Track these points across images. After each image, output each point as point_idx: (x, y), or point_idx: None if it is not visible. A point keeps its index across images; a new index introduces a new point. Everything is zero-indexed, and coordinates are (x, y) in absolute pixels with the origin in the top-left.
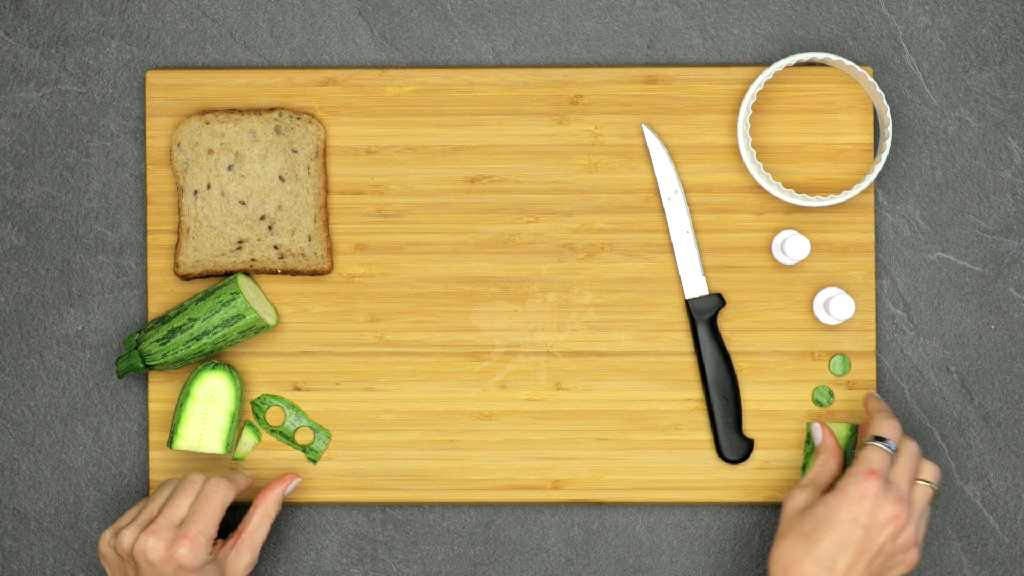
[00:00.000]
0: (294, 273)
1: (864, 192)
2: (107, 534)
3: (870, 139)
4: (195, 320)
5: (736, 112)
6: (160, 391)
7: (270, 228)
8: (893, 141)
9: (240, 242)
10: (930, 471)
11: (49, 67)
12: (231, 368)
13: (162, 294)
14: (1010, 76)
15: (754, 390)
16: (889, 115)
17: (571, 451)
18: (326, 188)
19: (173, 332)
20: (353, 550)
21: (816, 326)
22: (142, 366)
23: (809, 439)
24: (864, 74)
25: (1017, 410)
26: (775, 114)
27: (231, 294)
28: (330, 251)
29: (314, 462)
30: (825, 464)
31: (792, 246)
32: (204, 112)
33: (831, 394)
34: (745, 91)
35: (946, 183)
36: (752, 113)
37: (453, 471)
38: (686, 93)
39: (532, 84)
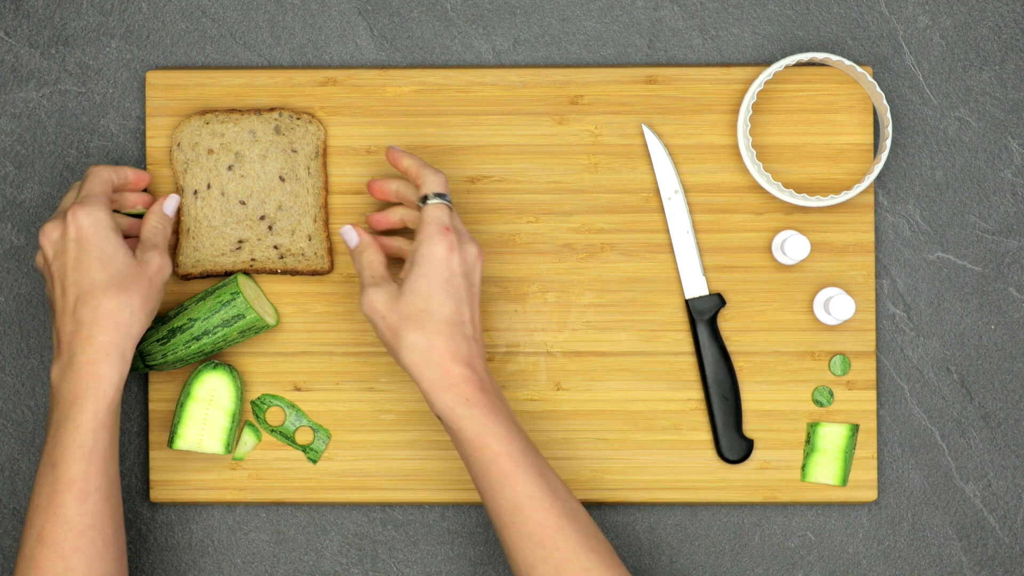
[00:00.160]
0: (294, 273)
1: (864, 192)
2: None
3: (870, 139)
4: (195, 320)
5: (736, 112)
6: (160, 391)
7: (270, 228)
8: (893, 141)
9: (240, 242)
10: (441, 184)
11: (49, 67)
12: (231, 368)
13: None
14: (1010, 76)
15: (754, 390)
16: (889, 115)
17: (571, 451)
18: (326, 188)
19: (173, 332)
20: (353, 550)
21: (816, 326)
22: (142, 366)
23: (809, 439)
24: (864, 74)
25: (1017, 410)
26: (775, 114)
27: (231, 294)
28: (330, 251)
29: (314, 462)
30: (373, 256)
31: (792, 246)
32: (204, 112)
33: (831, 394)
34: (745, 91)
35: (946, 183)
36: (752, 113)
37: (453, 471)
38: (686, 93)
39: (532, 84)
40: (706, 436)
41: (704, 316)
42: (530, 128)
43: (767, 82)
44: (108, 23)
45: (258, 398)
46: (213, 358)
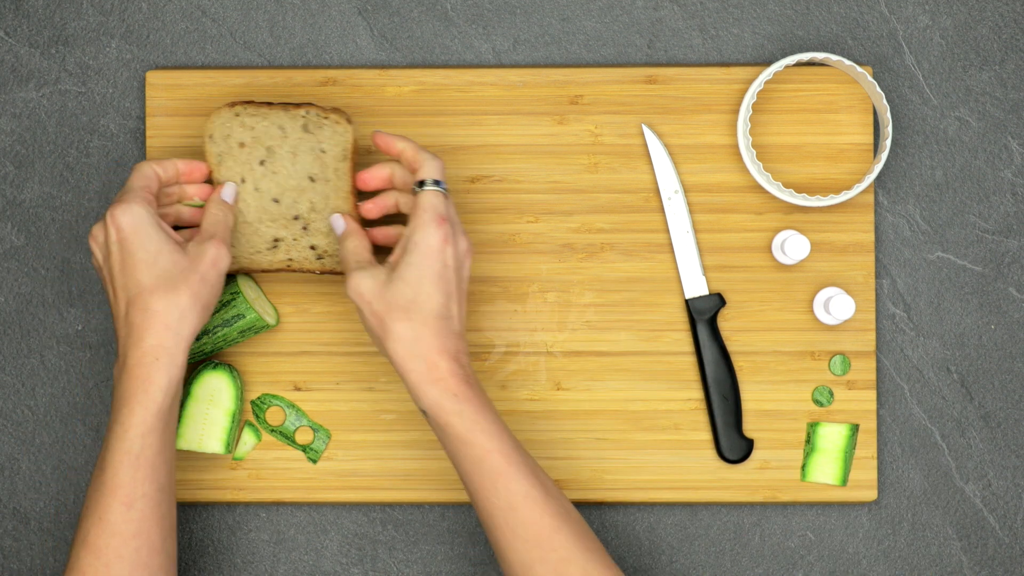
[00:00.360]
0: (332, 273)
1: (864, 192)
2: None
3: (870, 139)
4: None
5: (736, 112)
6: None
7: (305, 228)
8: (893, 141)
9: (276, 240)
10: (439, 170)
11: (49, 67)
12: (231, 368)
13: None
14: (1010, 76)
15: (754, 390)
16: (889, 115)
17: (571, 451)
18: (355, 192)
19: None
20: (353, 550)
21: (816, 326)
22: None
23: (809, 439)
24: (864, 74)
25: (1017, 410)
26: (775, 114)
27: (231, 294)
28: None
29: (314, 462)
30: (358, 243)
31: (792, 246)
32: (234, 104)
33: (831, 394)
34: (745, 91)
35: (946, 183)
36: (752, 113)
37: (453, 471)
38: (686, 93)
39: (532, 84)
40: (706, 436)
41: (704, 316)
42: (530, 128)
43: (767, 82)
44: (108, 23)
45: (258, 398)
46: (213, 358)
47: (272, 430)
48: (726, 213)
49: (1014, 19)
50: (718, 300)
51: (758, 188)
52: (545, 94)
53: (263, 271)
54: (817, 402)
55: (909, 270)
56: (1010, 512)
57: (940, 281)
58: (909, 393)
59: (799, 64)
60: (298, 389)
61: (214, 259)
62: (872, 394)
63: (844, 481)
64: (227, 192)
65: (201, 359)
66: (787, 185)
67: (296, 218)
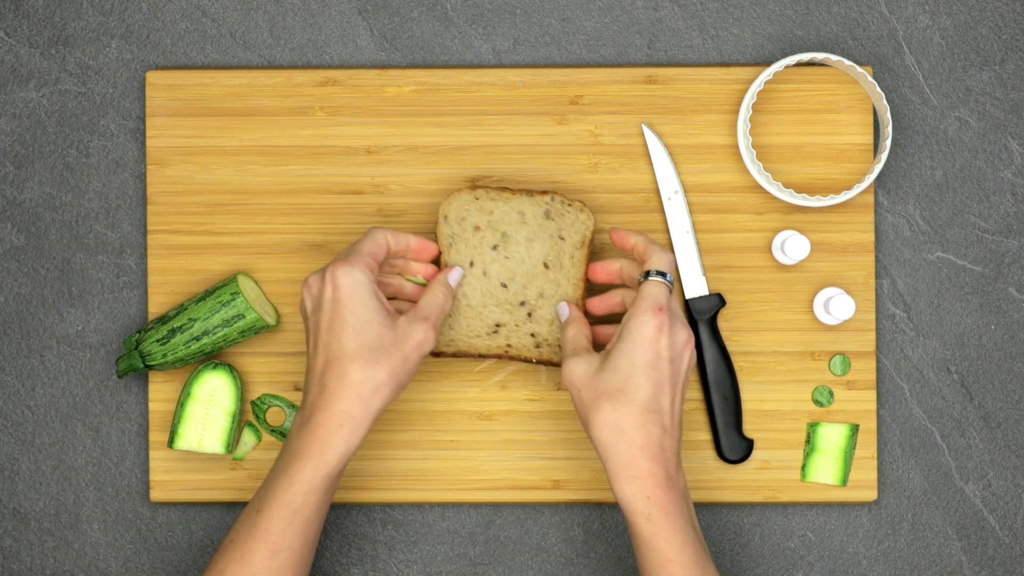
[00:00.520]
0: (548, 363)
1: (864, 192)
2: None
3: (870, 139)
4: (195, 320)
5: (736, 112)
6: (160, 391)
7: (529, 315)
8: (893, 141)
9: (498, 326)
10: (667, 263)
11: (49, 67)
12: (231, 368)
13: (162, 294)
14: (1010, 76)
15: (754, 390)
16: (889, 115)
17: (571, 451)
18: (585, 279)
19: (173, 332)
20: (353, 550)
21: (816, 326)
22: (142, 366)
23: (809, 439)
24: (864, 74)
25: (1017, 410)
26: (775, 114)
27: (231, 294)
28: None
29: None
30: (579, 330)
31: (792, 246)
32: (475, 187)
33: (831, 394)
34: (745, 91)
35: (946, 183)
36: (752, 113)
37: (453, 471)
38: (686, 93)
39: (532, 84)
40: (706, 436)
41: (704, 316)
42: (530, 128)
43: (767, 82)
44: (108, 23)
45: (258, 398)
46: (213, 358)
47: (272, 430)
48: (726, 213)
49: (1014, 19)
50: (718, 300)
51: (758, 188)
52: (545, 94)
53: (479, 356)
54: (817, 402)
55: (909, 270)
56: (1010, 512)
57: (940, 281)
58: (909, 393)
59: (799, 64)
60: (298, 389)
61: (420, 342)
62: (872, 394)
63: (844, 481)
64: (453, 277)
65: (201, 359)
66: (787, 185)
67: (522, 304)
